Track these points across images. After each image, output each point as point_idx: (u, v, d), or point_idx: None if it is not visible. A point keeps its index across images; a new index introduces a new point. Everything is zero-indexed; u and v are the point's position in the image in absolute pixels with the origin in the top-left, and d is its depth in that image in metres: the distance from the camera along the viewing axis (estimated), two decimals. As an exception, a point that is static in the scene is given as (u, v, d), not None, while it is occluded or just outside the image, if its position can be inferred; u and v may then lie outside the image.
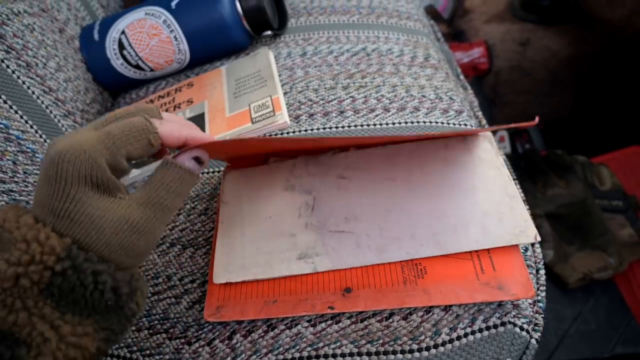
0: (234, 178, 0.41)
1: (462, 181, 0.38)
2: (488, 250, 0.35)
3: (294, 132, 0.48)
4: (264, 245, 0.36)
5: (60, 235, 0.23)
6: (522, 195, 0.41)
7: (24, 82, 0.46)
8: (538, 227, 0.82)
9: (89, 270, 0.23)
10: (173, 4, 0.55)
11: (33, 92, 0.47)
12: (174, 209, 0.28)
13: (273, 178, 0.41)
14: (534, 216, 0.82)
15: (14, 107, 0.44)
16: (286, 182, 0.40)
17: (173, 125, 0.29)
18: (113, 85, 0.62)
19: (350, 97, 0.50)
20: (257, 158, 0.43)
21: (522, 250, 0.38)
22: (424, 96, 0.49)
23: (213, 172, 0.47)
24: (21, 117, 0.45)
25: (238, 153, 0.41)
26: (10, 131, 0.43)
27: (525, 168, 0.90)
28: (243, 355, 0.34)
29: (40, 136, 0.46)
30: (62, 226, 0.24)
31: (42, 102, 0.48)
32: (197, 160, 0.29)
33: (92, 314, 0.24)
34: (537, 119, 0.32)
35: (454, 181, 0.38)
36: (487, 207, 0.36)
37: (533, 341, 0.34)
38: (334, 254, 0.35)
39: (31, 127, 0.45)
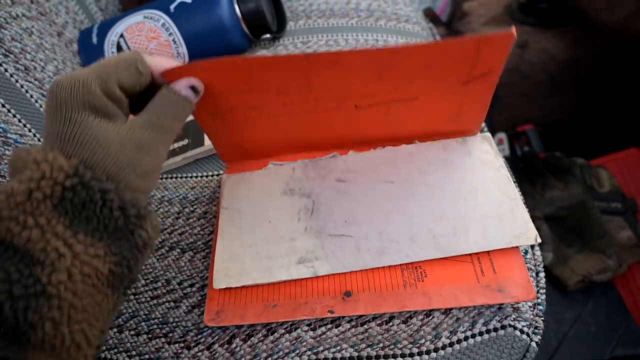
0: (233, 182, 0.41)
1: (462, 183, 0.38)
2: (488, 252, 0.35)
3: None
4: (264, 249, 0.36)
5: (68, 157, 0.25)
6: (522, 197, 0.41)
7: (22, 86, 0.46)
8: (537, 229, 0.82)
9: (96, 188, 0.24)
10: (172, 7, 0.55)
11: (31, 96, 0.47)
12: (174, 131, 0.30)
13: (272, 182, 0.41)
14: (533, 218, 0.82)
15: (12, 110, 0.44)
16: (285, 185, 0.40)
17: (163, 58, 0.30)
18: (111, 89, 0.62)
19: (349, 100, 0.50)
20: (257, 162, 0.43)
21: (522, 253, 0.38)
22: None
23: (212, 176, 0.46)
24: (19, 120, 0.44)
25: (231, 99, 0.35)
26: (9, 135, 0.43)
27: (524, 170, 0.90)
28: (243, 360, 0.34)
29: (39, 140, 0.46)
30: (69, 149, 0.25)
31: (41, 106, 0.48)
32: (193, 89, 0.30)
33: (103, 237, 0.25)
34: (513, 30, 0.29)
35: (453, 183, 0.38)
36: (487, 209, 0.36)
37: (533, 344, 0.34)
38: (333, 258, 0.35)
39: (29, 130, 0.45)
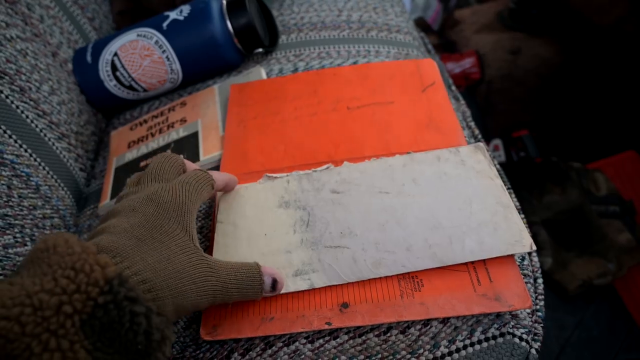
0: (228, 196, 0.42)
1: (456, 193, 0.38)
2: (484, 261, 0.35)
3: (287, 147, 0.48)
4: (260, 262, 0.36)
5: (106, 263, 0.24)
6: (518, 203, 0.41)
7: (17, 107, 0.46)
8: (535, 234, 0.82)
9: (127, 309, 0.23)
10: (164, 24, 0.55)
11: (27, 116, 0.47)
12: (230, 298, 0.31)
13: (267, 195, 0.41)
14: (531, 223, 0.82)
15: (8, 131, 0.44)
16: (280, 198, 0.40)
17: (223, 175, 0.39)
18: (107, 107, 0.62)
19: (343, 111, 0.50)
20: (252, 175, 0.43)
21: (519, 260, 0.38)
22: (415, 108, 0.50)
23: (208, 190, 0.47)
24: (15, 141, 0.45)
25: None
26: (5, 155, 0.43)
27: (521, 176, 0.90)
28: (241, 375, 0.34)
29: (35, 159, 0.47)
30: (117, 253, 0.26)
31: (36, 126, 0.48)
32: (274, 283, 0.33)
33: None
34: (431, 60, 0.50)
35: (448, 193, 0.38)
36: (481, 217, 0.36)
37: (533, 351, 0.34)
38: (330, 270, 0.35)
39: (25, 150, 0.45)
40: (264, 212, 0.40)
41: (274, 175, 0.42)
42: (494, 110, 1.12)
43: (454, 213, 0.37)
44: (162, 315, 0.25)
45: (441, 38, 1.27)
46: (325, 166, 0.42)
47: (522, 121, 1.09)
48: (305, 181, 0.41)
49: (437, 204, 0.37)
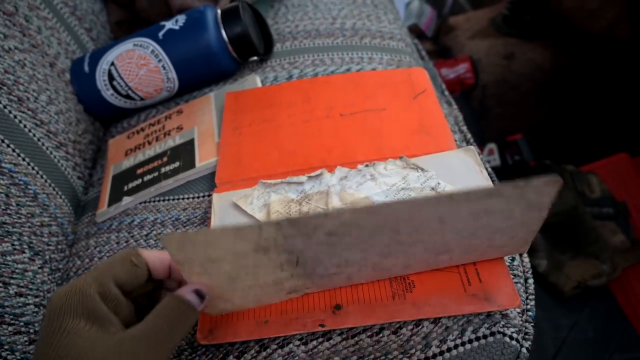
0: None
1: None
2: (474, 262, 0.35)
3: (282, 153, 0.49)
4: (246, 295, 0.34)
5: None
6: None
7: (15, 117, 0.47)
8: (531, 237, 0.83)
9: None
10: (160, 34, 0.56)
11: (25, 126, 0.48)
12: (172, 345, 0.28)
13: (236, 241, 0.29)
14: (526, 226, 0.82)
15: (5, 140, 0.45)
16: (255, 245, 0.29)
17: (160, 252, 0.31)
18: (104, 116, 0.63)
19: (336, 117, 0.51)
20: (247, 182, 0.44)
21: (509, 260, 0.39)
22: (407, 113, 0.51)
23: (203, 197, 0.47)
24: (13, 150, 0.45)
25: None
26: (3, 164, 0.44)
27: (515, 179, 0.91)
28: (237, 377, 0.34)
29: (33, 168, 0.47)
30: None
31: (34, 135, 0.49)
32: (198, 293, 0.29)
33: None
34: (421, 68, 0.52)
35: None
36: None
37: (524, 350, 0.34)
38: (324, 286, 0.35)
39: (23, 159, 0.46)
40: (238, 257, 0.30)
41: (268, 181, 0.43)
42: (488, 114, 1.13)
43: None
44: None
45: (436, 44, 1.28)
46: (318, 171, 0.43)
47: (516, 125, 1.10)
48: (287, 228, 0.29)
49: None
